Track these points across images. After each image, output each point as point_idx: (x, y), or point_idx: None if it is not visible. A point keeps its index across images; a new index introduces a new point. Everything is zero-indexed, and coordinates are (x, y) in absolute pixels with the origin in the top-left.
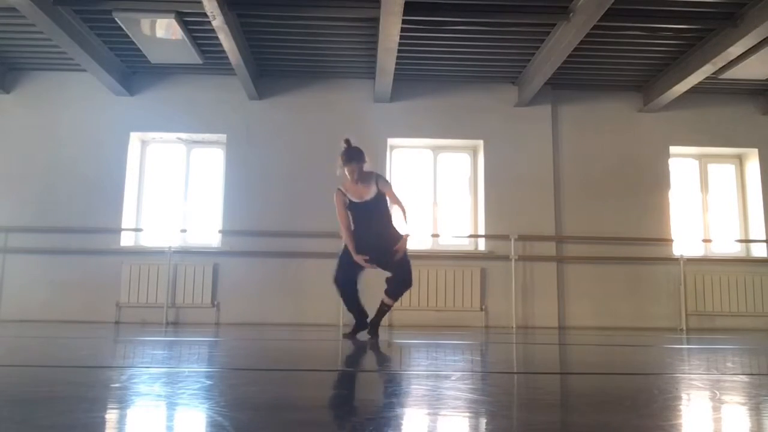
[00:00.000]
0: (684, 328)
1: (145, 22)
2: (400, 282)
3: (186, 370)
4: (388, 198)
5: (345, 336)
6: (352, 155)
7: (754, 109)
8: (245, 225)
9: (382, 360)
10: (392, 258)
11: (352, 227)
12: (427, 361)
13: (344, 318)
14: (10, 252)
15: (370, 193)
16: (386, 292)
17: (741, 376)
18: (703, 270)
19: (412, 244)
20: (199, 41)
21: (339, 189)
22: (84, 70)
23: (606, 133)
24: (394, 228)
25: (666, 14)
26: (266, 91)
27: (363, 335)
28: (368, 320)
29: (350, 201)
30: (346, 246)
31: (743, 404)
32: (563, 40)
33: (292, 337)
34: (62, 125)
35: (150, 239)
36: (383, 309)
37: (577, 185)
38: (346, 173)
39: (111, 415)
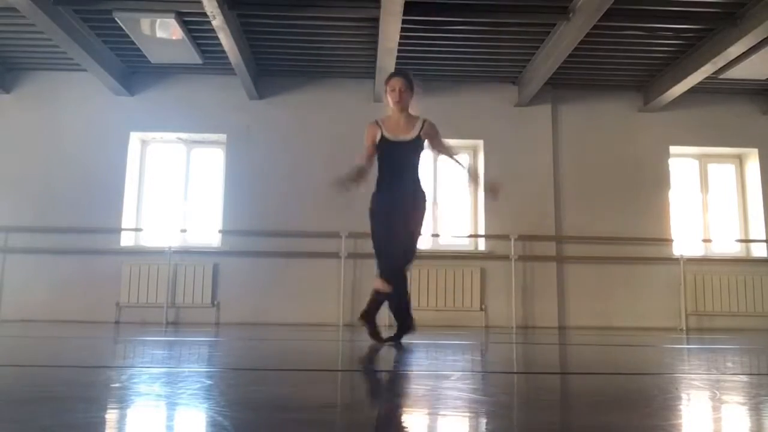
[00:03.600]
0: (684, 328)
1: (145, 22)
2: (401, 256)
3: (186, 370)
4: (433, 148)
5: (386, 340)
6: (399, 71)
7: (754, 109)
8: (245, 225)
9: (383, 360)
10: (409, 226)
11: (373, 171)
12: (427, 361)
13: (344, 317)
14: (10, 252)
15: (410, 134)
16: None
17: (741, 376)
18: (703, 270)
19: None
20: (199, 41)
21: (375, 120)
22: (84, 70)
23: (606, 133)
24: (423, 190)
25: (666, 14)
26: (266, 91)
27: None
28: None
29: (383, 137)
30: (373, 210)
31: (743, 404)
32: (563, 40)
33: (291, 337)
34: (62, 125)
35: (150, 239)
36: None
37: (577, 185)
38: (387, 95)
39: (111, 415)
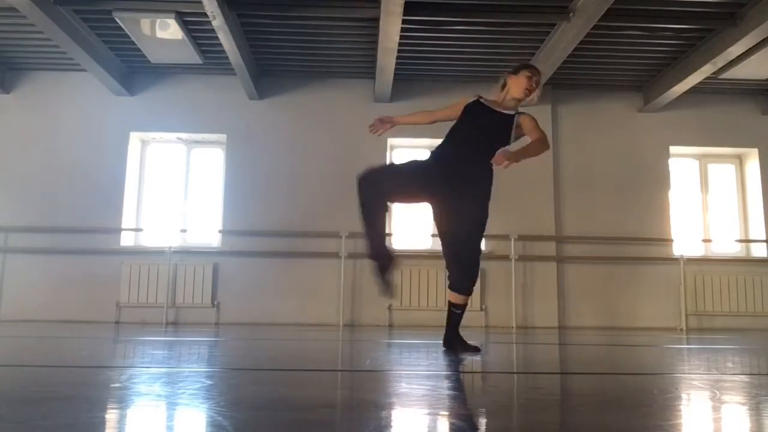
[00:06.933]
0: (684, 328)
1: (145, 22)
2: (461, 264)
3: (186, 370)
4: (527, 133)
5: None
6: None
7: (754, 109)
8: (245, 225)
9: (382, 360)
10: (459, 206)
11: (443, 147)
12: (427, 361)
13: (344, 317)
14: (10, 252)
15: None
16: (449, 286)
17: (741, 376)
18: (703, 270)
19: (418, 245)
20: (199, 41)
21: (478, 96)
22: (84, 70)
23: (606, 133)
24: (486, 171)
25: (666, 14)
26: (266, 91)
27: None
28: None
29: (477, 115)
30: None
31: (743, 404)
32: (563, 40)
33: (291, 337)
34: (62, 125)
35: (150, 239)
36: (451, 311)
37: (577, 185)
38: (523, 81)
39: (111, 415)
